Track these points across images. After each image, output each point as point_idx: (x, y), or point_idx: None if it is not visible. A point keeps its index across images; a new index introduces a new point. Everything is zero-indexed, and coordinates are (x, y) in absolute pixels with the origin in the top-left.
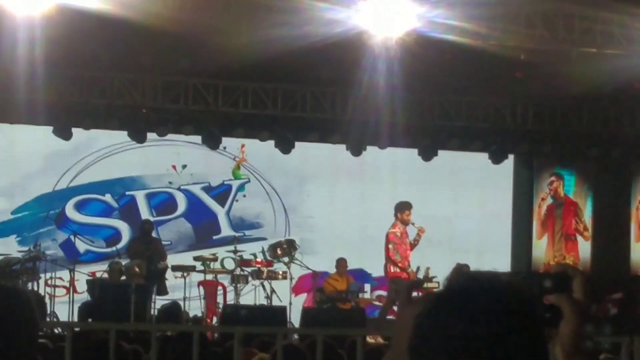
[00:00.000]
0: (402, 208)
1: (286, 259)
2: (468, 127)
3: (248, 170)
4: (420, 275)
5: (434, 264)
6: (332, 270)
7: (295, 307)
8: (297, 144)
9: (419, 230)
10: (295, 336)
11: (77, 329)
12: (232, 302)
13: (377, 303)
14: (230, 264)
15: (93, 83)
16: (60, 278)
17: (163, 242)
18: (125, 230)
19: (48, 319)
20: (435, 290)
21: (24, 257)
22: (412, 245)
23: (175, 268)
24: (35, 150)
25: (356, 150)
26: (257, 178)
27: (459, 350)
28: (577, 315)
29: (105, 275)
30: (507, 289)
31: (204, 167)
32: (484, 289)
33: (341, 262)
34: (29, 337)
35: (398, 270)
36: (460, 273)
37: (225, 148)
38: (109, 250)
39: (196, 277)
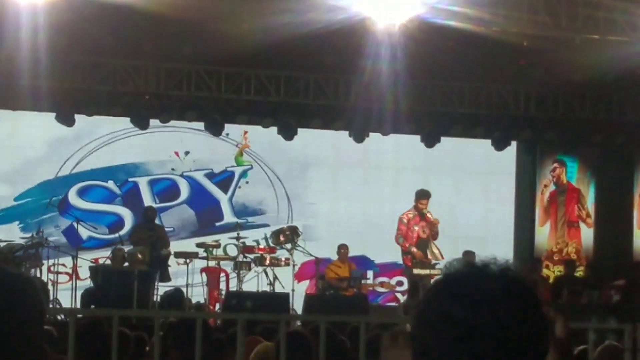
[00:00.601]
0: (419, 196)
1: (289, 246)
2: (471, 113)
3: (251, 156)
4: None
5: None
6: (335, 256)
7: (298, 293)
8: (299, 130)
9: (434, 221)
10: (298, 323)
11: (80, 316)
12: (234, 289)
13: (380, 289)
14: (233, 251)
15: (96, 69)
16: (63, 264)
17: (166, 229)
18: (128, 216)
19: (51, 306)
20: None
21: (27, 243)
22: (432, 237)
23: (178, 255)
24: (38, 137)
25: (359, 136)
26: (259, 165)
27: (462, 336)
28: (558, 355)
29: (108, 261)
30: (506, 274)
31: (206, 154)
32: (483, 274)
33: (342, 249)
34: (35, 324)
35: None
36: (458, 260)
37: (228, 135)
38: (111, 236)
39: (199, 263)
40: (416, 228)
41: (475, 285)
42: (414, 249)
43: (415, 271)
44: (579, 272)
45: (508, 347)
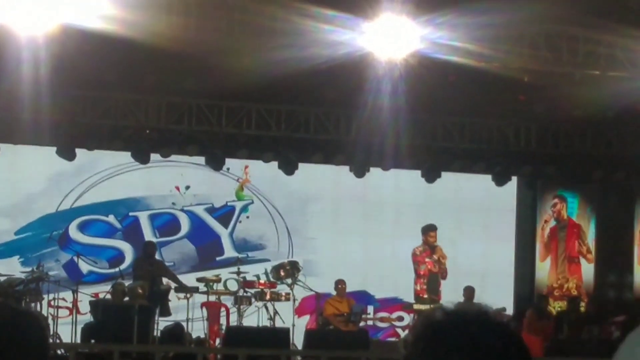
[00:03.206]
0: (426, 230)
1: (289, 281)
2: (471, 148)
3: (251, 191)
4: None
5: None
6: (334, 291)
7: (299, 328)
8: (300, 165)
9: (440, 257)
10: (299, 358)
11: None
12: (235, 324)
13: (380, 325)
14: (233, 285)
15: (97, 103)
16: (63, 299)
17: (166, 263)
18: (128, 251)
19: (51, 340)
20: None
21: (27, 277)
22: (442, 275)
23: (178, 289)
24: (39, 171)
25: (360, 171)
26: (260, 199)
27: None
28: None
29: (109, 296)
30: (490, 321)
31: (207, 188)
32: (470, 322)
33: (340, 284)
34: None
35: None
36: (439, 308)
37: (228, 169)
38: (112, 271)
39: (199, 298)
40: (427, 261)
41: (465, 334)
42: (417, 287)
43: (416, 307)
44: (581, 307)
45: None
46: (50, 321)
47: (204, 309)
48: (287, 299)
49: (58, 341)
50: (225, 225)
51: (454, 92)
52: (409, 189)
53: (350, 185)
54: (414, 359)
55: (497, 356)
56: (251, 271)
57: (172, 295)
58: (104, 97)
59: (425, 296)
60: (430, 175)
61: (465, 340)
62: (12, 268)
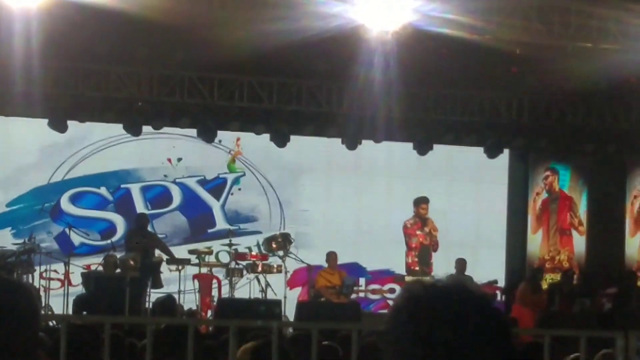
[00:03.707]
0: (418, 202)
1: (281, 253)
2: (463, 121)
3: (243, 163)
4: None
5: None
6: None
7: (290, 300)
8: (292, 137)
9: (431, 229)
10: (290, 330)
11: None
12: (226, 296)
13: (372, 297)
14: (225, 258)
15: (89, 76)
16: (55, 271)
17: (158, 235)
18: (120, 223)
19: (43, 312)
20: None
21: (19, 249)
22: (433, 248)
23: (170, 261)
24: (31, 143)
25: (352, 144)
26: (252, 171)
27: (444, 357)
28: None
29: (100, 268)
30: (469, 293)
31: (199, 161)
32: (450, 295)
33: (332, 256)
34: (31, 331)
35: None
36: (417, 283)
37: (220, 141)
38: (103, 243)
39: (191, 270)
40: (419, 233)
41: (446, 307)
42: (409, 259)
43: (408, 279)
44: (574, 280)
45: None
46: (42, 293)
47: (196, 281)
48: (279, 271)
49: (50, 313)
50: (217, 198)
51: (446, 64)
52: (401, 161)
53: (342, 158)
54: (395, 332)
55: (478, 329)
56: (243, 243)
57: (163, 267)
58: (96, 70)
59: (417, 268)
60: (422, 148)
61: (447, 313)
62: (4, 240)
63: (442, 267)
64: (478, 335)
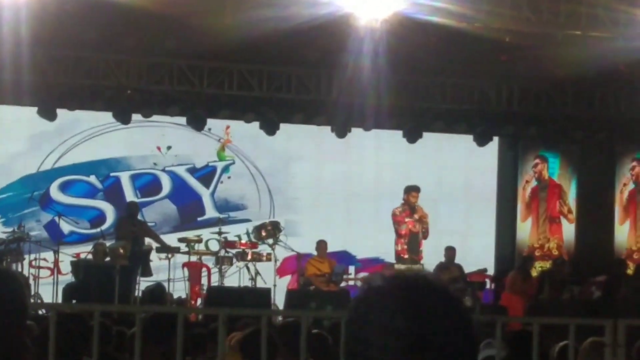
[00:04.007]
0: (408, 190)
1: (270, 241)
2: (453, 109)
3: (233, 151)
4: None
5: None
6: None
7: (280, 288)
8: (282, 125)
9: (421, 217)
10: (280, 318)
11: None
12: (216, 284)
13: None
14: (214, 246)
15: (78, 64)
16: (45, 259)
17: (148, 224)
18: (109, 211)
19: (32, 300)
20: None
21: (8, 238)
22: (424, 235)
23: (159, 249)
24: (20, 131)
25: (341, 132)
26: (242, 159)
27: (408, 347)
28: None
29: (90, 256)
30: (430, 282)
31: (188, 149)
32: (410, 285)
33: (321, 245)
34: (18, 319)
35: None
36: (378, 273)
37: (210, 129)
38: (93, 231)
39: (180, 258)
40: (408, 220)
41: (401, 296)
42: (398, 247)
43: (397, 267)
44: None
45: (451, 354)
46: (31, 281)
47: (185, 269)
48: (269, 259)
49: (39, 301)
50: (207, 186)
51: (436, 52)
52: (391, 149)
53: (331, 146)
54: (356, 322)
55: (438, 318)
56: (232, 231)
57: (153, 255)
58: (86, 58)
59: (406, 256)
60: (412, 136)
61: (407, 304)
62: None
63: (431, 255)
64: (438, 325)
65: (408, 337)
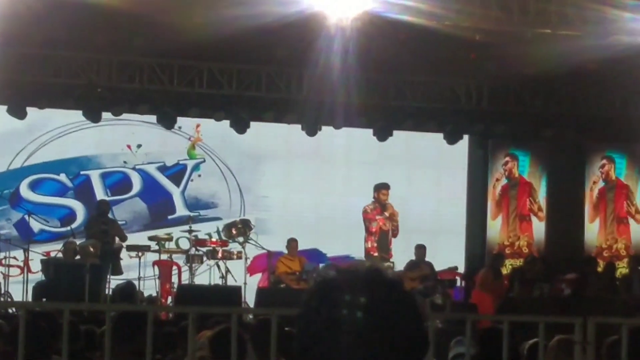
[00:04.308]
0: (379, 187)
1: (241, 239)
2: (423, 107)
3: (203, 150)
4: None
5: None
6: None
7: (250, 287)
8: (252, 123)
9: (392, 214)
10: (250, 316)
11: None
12: (186, 282)
13: None
14: (185, 244)
15: (48, 62)
16: (15, 258)
17: (118, 222)
18: (80, 209)
19: (2, 299)
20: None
21: None
22: (394, 233)
23: (129, 248)
24: None
25: (311, 130)
26: (212, 158)
27: (356, 341)
28: None
29: (60, 254)
30: (382, 276)
31: (159, 147)
32: (361, 278)
33: (292, 243)
34: None
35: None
36: (330, 267)
37: (180, 128)
38: (63, 229)
39: (151, 256)
40: (378, 218)
41: (357, 290)
42: (368, 245)
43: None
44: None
45: (400, 347)
46: (1, 280)
47: (156, 268)
48: (239, 258)
49: (9, 299)
50: (177, 184)
51: (406, 51)
52: (361, 147)
53: (301, 144)
54: (307, 316)
55: (386, 312)
56: (203, 229)
57: (123, 253)
58: (55, 56)
59: (376, 254)
60: (382, 134)
61: (358, 297)
62: None
63: (401, 253)
64: (389, 319)
65: (355, 333)
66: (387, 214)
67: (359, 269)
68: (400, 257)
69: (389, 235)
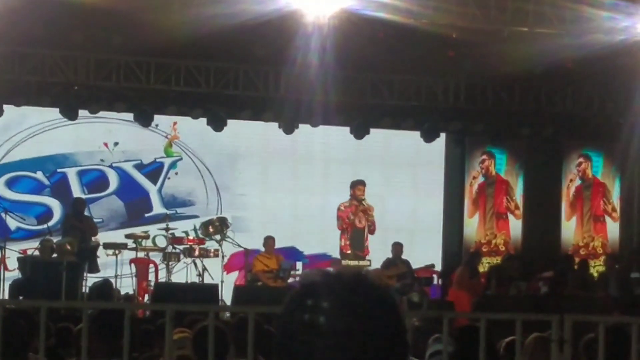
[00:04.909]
0: (354, 184)
1: (218, 237)
2: (400, 105)
3: (180, 147)
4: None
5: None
6: (263, 248)
7: (227, 284)
8: (229, 121)
9: (367, 210)
10: (227, 314)
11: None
12: (163, 280)
13: None
14: (162, 242)
15: (25, 60)
16: None
17: (95, 220)
18: (56, 207)
19: None
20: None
21: None
22: (370, 230)
23: (106, 246)
24: None
25: (288, 128)
26: (189, 156)
27: (331, 345)
28: None
29: (37, 252)
30: (362, 281)
31: (135, 145)
32: (341, 283)
33: (269, 241)
34: None
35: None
36: (312, 270)
37: (157, 125)
38: (40, 227)
39: (128, 254)
40: (352, 217)
41: (335, 293)
42: (342, 243)
43: (344, 262)
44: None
45: (375, 351)
46: None
47: (133, 266)
48: (216, 255)
49: None
50: (154, 182)
51: (383, 48)
52: (338, 145)
53: (279, 142)
54: (285, 318)
55: (368, 318)
56: (180, 227)
57: (100, 251)
58: (32, 54)
59: (349, 252)
60: (359, 132)
61: (336, 301)
62: None
63: (378, 251)
64: (370, 325)
65: (331, 336)
66: (362, 212)
67: (341, 274)
68: (377, 254)
69: (364, 232)
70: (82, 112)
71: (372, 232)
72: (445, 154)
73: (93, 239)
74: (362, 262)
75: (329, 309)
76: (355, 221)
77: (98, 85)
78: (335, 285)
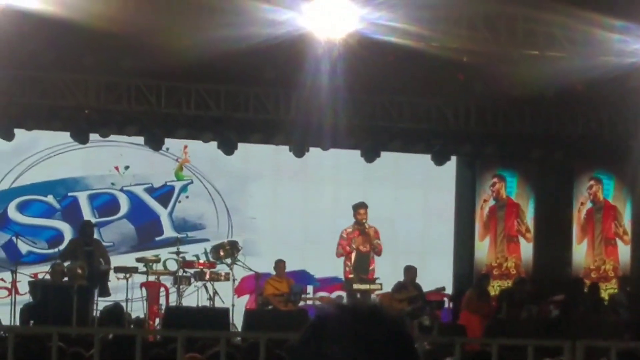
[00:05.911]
0: (356, 207)
1: (229, 260)
2: (410, 128)
3: (191, 171)
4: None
5: (378, 266)
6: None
7: (238, 308)
8: (240, 145)
9: (369, 231)
10: (238, 339)
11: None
12: (174, 304)
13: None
14: (172, 265)
15: (35, 83)
16: (2, 279)
17: (105, 244)
18: (67, 231)
19: None
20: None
21: None
22: (376, 252)
23: (117, 269)
24: None
25: (299, 151)
26: (199, 179)
27: None
28: None
29: (48, 276)
30: (378, 314)
31: (146, 168)
32: (357, 315)
33: (280, 264)
34: None
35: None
36: (331, 302)
37: (168, 149)
38: (51, 251)
39: (138, 278)
40: (355, 242)
41: (351, 327)
42: (345, 269)
43: (355, 286)
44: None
45: None
46: None
47: (144, 289)
48: (227, 279)
49: None
50: (165, 205)
51: (393, 71)
52: (348, 168)
53: (289, 165)
54: (301, 350)
55: (380, 352)
56: (190, 251)
57: (111, 275)
58: (43, 77)
59: (351, 276)
60: (370, 155)
61: (349, 334)
62: None
63: (389, 274)
64: (380, 357)
65: None
66: (365, 235)
67: (359, 307)
68: (388, 279)
69: (369, 255)
70: (93, 136)
71: (378, 254)
72: (455, 177)
73: (103, 262)
74: (373, 286)
75: (343, 342)
76: (360, 246)
77: (109, 109)
78: (351, 318)
